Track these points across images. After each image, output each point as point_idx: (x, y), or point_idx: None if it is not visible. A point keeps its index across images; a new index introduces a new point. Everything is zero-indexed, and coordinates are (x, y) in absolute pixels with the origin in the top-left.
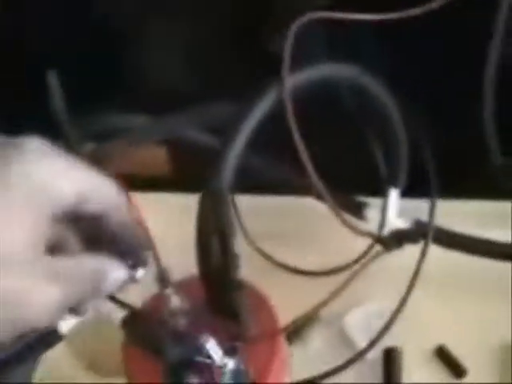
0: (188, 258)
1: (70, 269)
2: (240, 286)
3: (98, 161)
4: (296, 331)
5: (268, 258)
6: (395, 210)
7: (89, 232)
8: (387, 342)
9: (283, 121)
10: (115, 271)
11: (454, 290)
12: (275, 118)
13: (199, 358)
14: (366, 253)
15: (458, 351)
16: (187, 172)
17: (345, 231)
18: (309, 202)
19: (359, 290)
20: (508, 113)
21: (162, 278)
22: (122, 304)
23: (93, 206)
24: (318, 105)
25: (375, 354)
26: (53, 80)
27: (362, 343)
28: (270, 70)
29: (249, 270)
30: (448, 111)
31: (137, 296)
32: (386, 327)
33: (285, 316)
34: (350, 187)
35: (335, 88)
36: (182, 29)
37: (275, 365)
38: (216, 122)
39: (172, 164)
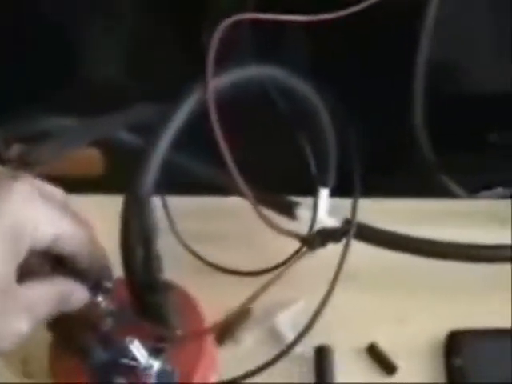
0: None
1: (37, 298)
2: (164, 287)
3: (25, 163)
4: (228, 331)
5: (199, 258)
6: (325, 208)
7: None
8: (319, 340)
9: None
10: (78, 294)
11: (385, 288)
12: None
13: (125, 360)
14: (296, 252)
15: (389, 348)
16: (122, 173)
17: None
18: (240, 202)
19: (290, 288)
20: (438, 110)
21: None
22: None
23: (65, 250)
24: (249, 106)
25: (307, 352)
26: None
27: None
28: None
29: (180, 270)
30: (378, 109)
31: None
32: (312, 321)
33: (216, 316)
34: (281, 188)
35: (265, 89)
36: (115, 28)
37: (202, 365)
38: (147, 123)
39: (107, 165)
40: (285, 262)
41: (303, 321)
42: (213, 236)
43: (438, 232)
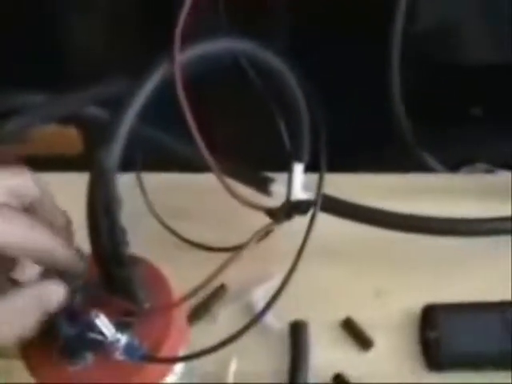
0: None
1: (18, 307)
2: (131, 261)
3: None
4: (203, 307)
5: (175, 234)
6: (300, 184)
7: None
8: (295, 316)
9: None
10: (58, 293)
11: (361, 262)
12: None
13: (92, 335)
14: (261, 230)
15: (365, 322)
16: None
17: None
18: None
19: (267, 264)
20: (416, 81)
21: None
22: (15, 283)
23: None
24: (222, 80)
25: (283, 327)
26: None
27: (268, 316)
28: None
29: (155, 246)
30: (354, 82)
31: None
32: (280, 290)
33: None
34: (257, 164)
35: (239, 63)
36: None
37: (170, 339)
38: (117, 97)
39: (83, 143)
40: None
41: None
42: (188, 212)
43: (419, 207)
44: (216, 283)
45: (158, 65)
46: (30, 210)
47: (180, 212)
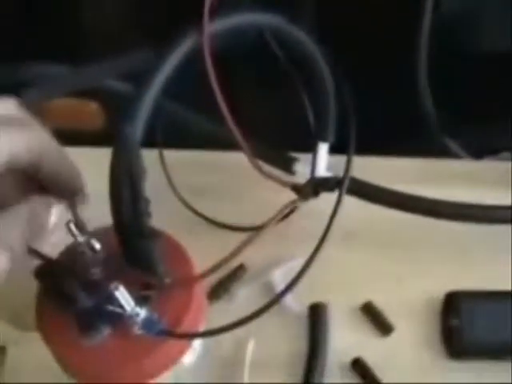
0: None
1: (13, 226)
2: (152, 233)
3: None
4: (222, 286)
5: (195, 212)
6: (324, 164)
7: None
8: (315, 299)
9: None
10: (47, 210)
11: (384, 247)
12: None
13: (110, 307)
14: (285, 207)
15: (385, 308)
16: None
17: (274, 187)
18: (238, 157)
19: (289, 245)
20: (443, 66)
21: (77, 226)
22: (36, 254)
23: (27, 160)
24: (248, 57)
25: (302, 310)
26: None
27: (288, 298)
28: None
29: (175, 223)
30: (380, 66)
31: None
32: (301, 273)
33: None
34: (281, 144)
35: (265, 40)
36: None
37: (190, 314)
38: (137, 70)
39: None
40: (277, 216)
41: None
42: (209, 190)
43: (443, 192)
44: (235, 263)
45: (186, 36)
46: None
47: (201, 190)
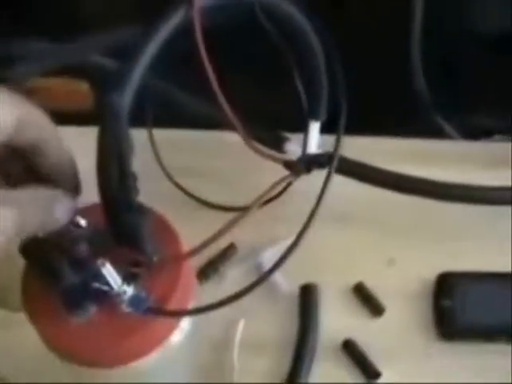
0: None
1: (23, 195)
2: (140, 210)
3: None
4: (212, 266)
5: (185, 192)
6: (315, 143)
7: (25, 168)
8: (306, 279)
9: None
10: (63, 200)
11: (375, 228)
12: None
13: (96, 285)
14: (276, 184)
15: (376, 289)
16: None
17: (264, 167)
18: (229, 136)
19: (278, 225)
20: (436, 46)
21: None
22: None
23: (29, 138)
24: (238, 34)
25: (293, 290)
26: None
27: (278, 278)
28: None
29: (165, 204)
30: (372, 43)
31: None
32: (289, 250)
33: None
34: (273, 123)
35: (255, 15)
36: None
37: (178, 292)
38: (125, 45)
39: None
40: (266, 196)
41: (290, 258)
42: (198, 170)
43: (435, 173)
44: (225, 242)
45: (176, 9)
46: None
47: (191, 169)
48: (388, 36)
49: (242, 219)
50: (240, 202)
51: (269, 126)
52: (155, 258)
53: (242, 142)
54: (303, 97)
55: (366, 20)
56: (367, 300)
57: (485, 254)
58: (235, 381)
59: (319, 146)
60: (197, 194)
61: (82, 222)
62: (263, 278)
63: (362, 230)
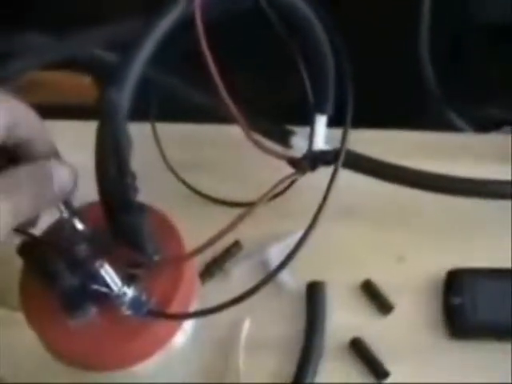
0: None
1: (12, 179)
2: (140, 209)
3: None
4: (216, 264)
5: (189, 187)
6: (322, 137)
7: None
8: (314, 277)
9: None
10: (58, 169)
11: (385, 224)
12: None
13: (95, 286)
14: (281, 181)
15: (384, 286)
16: None
17: (271, 162)
18: (233, 131)
19: (284, 221)
20: (445, 39)
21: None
22: (20, 231)
23: (23, 136)
24: (243, 26)
25: (300, 288)
26: None
27: (284, 275)
28: None
29: (168, 198)
30: (381, 36)
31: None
32: (296, 248)
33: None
34: (279, 117)
35: (261, 7)
36: None
37: (180, 294)
38: (125, 39)
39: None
40: (271, 192)
41: (297, 255)
42: (204, 165)
43: (446, 167)
44: (230, 239)
45: (175, 2)
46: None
47: (196, 164)
48: (396, 29)
49: (247, 217)
50: (246, 197)
51: (276, 120)
52: (156, 258)
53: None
54: (309, 89)
55: (375, 14)
56: (375, 297)
57: (496, 249)
58: (241, 381)
59: (327, 140)
60: (201, 189)
61: (79, 226)
62: (268, 277)
63: (371, 226)
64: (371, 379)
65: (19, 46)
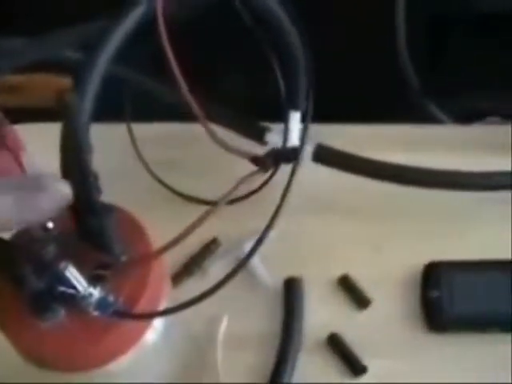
0: None
1: None
2: (104, 209)
3: None
4: (194, 262)
5: (167, 186)
6: (297, 133)
7: None
8: (290, 272)
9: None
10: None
11: (361, 217)
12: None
13: (61, 288)
14: (242, 180)
15: (362, 280)
16: None
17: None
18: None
19: (261, 217)
20: (423, 29)
21: None
22: None
23: None
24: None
25: (277, 284)
26: None
27: (262, 273)
28: None
29: (144, 197)
30: (359, 31)
31: None
32: (265, 232)
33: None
34: (253, 114)
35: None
36: None
37: (148, 293)
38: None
39: None
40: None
41: (274, 251)
42: (179, 163)
43: (424, 159)
44: (208, 237)
45: (134, 3)
46: None
47: (171, 163)
48: (374, 22)
49: (214, 212)
50: (220, 194)
51: (251, 117)
52: (123, 258)
53: (223, 133)
54: (282, 86)
55: (352, 9)
56: (353, 292)
57: (473, 242)
58: (219, 378)
59: (311, 136)
60: (178, 188)
61: (50, 225)
62: (240, 265)
63: (347, 221)
64: (349, 375)
65: None
